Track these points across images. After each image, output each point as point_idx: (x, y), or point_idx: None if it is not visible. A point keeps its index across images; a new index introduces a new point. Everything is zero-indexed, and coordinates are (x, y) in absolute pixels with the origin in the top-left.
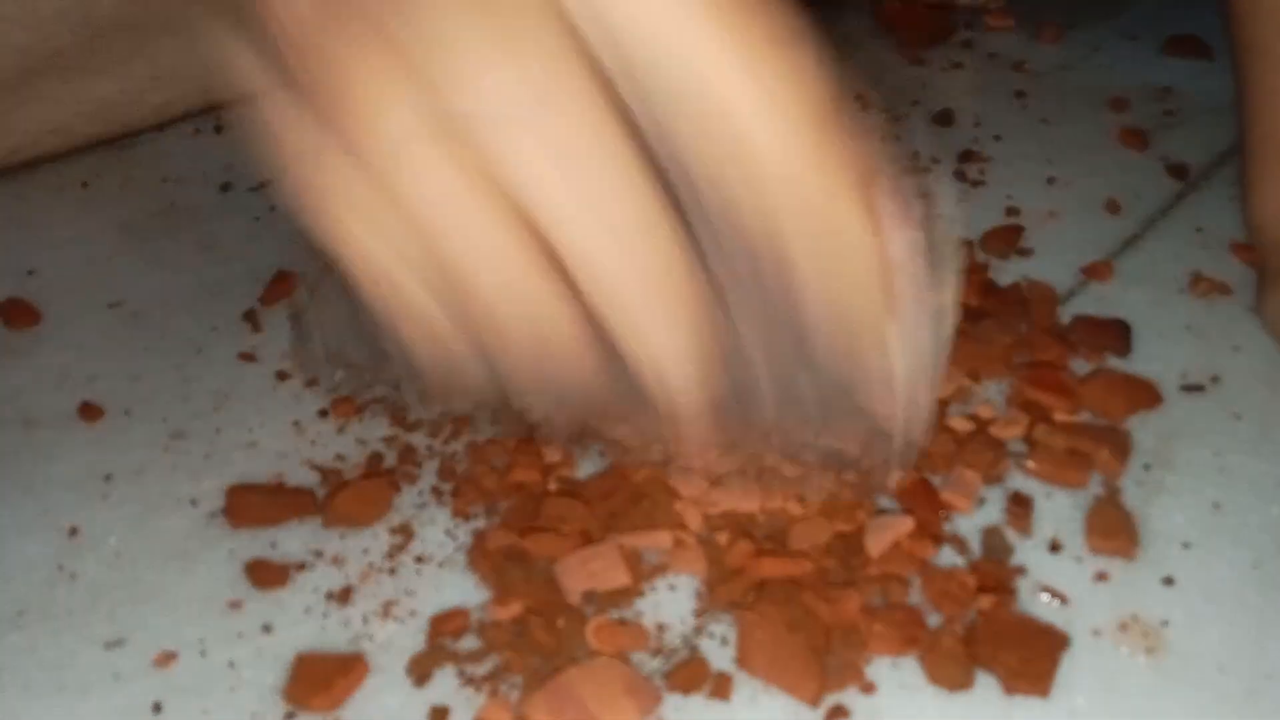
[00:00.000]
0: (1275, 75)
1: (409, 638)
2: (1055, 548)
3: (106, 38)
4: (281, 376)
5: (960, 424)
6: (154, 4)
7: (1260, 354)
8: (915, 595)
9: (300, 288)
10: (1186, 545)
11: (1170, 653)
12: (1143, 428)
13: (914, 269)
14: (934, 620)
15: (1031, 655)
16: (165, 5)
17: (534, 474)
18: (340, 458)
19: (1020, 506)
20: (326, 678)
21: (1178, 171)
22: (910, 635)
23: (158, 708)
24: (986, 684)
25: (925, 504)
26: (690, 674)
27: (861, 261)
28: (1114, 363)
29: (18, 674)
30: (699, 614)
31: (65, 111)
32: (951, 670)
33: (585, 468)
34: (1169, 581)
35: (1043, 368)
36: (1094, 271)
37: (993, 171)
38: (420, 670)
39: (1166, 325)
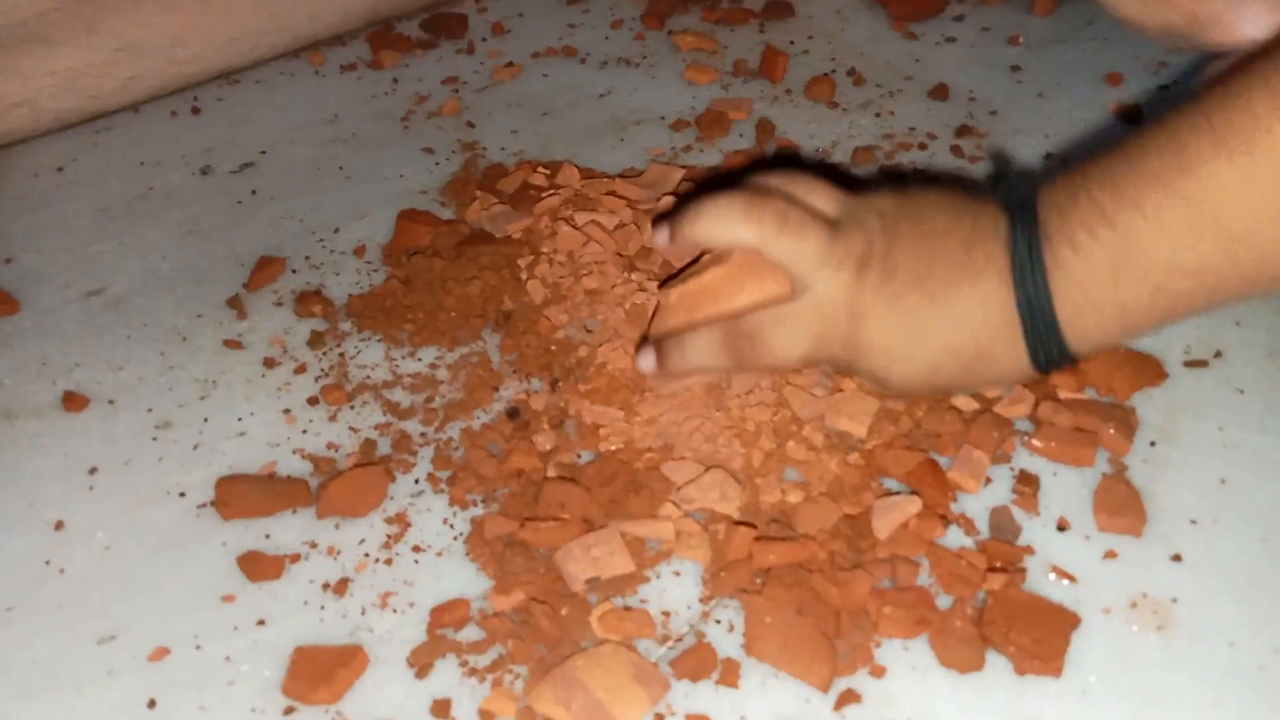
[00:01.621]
0: None
1: (409, 629)
2: (1063, 526)
3: (70, 9)
4: (269, 363)
5: (965, 403)
6: None
7: (1262, 328)
8: (924, 576)
9: None
10: (1194, 521)
11: (1180, 630)
12: (1148, 404)
13: None
14: (944, 601)
15: (1043, 635)
16: None
17: (532, 460)
18: (332, 446)
19: (1027, 485)
20: (326, 670)
21: None
22: (920, 617)
23: (153, 704)
24: (998, 665)
25: (932, 484)
26: (698, 661)
27: None
28: None
29: (10, 672)
30: (705, 600)
31: (30, 85)
32: (963, 652)
33: (584, 454)
34: (1177, 558)
35: None
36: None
37: (990, 147)
38: (421, 661)
39: None
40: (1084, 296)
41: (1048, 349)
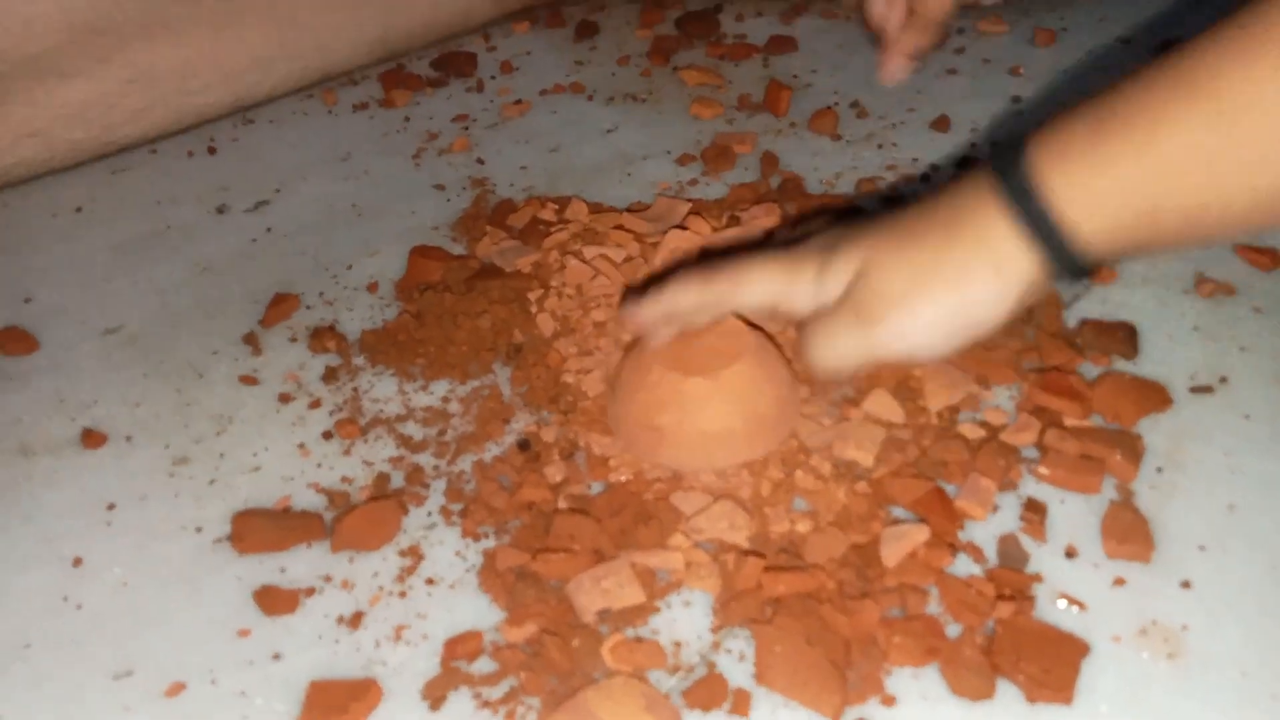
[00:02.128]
0: None
1: (422, 661)
2: (1071, 554)
3: (83, 41)
4: (284, 399)
5: (971, 431)
6: (131, 7)
7: (1267, 353)
8: (933, 605)
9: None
10: (1202, 548)
11: (1191, 657)
12: (1154, 430)
13: None
14: (953, 630)
15: (1053, 663)
16: (142, 7)
17: (543, 492)
18: (346, 480)
19: (1035, 513)
20: (340, 704)
21: None
22: (930, 646)
23: None
24: (1008, 693)
25: (940, 513)
26: (709, 691)
27: None
28: (1122, 365)
29: (26, 707)
30: (715, 630)
31: (43, 115)
32: (973, 680)
33: (594, 485)
34: (1187, 585)
35: (1052, 372)
36: (1098, 274)
37: None
38: (435, 694)
39: (1173, 326)
40: (1063, 145)
41: (1036, 209)
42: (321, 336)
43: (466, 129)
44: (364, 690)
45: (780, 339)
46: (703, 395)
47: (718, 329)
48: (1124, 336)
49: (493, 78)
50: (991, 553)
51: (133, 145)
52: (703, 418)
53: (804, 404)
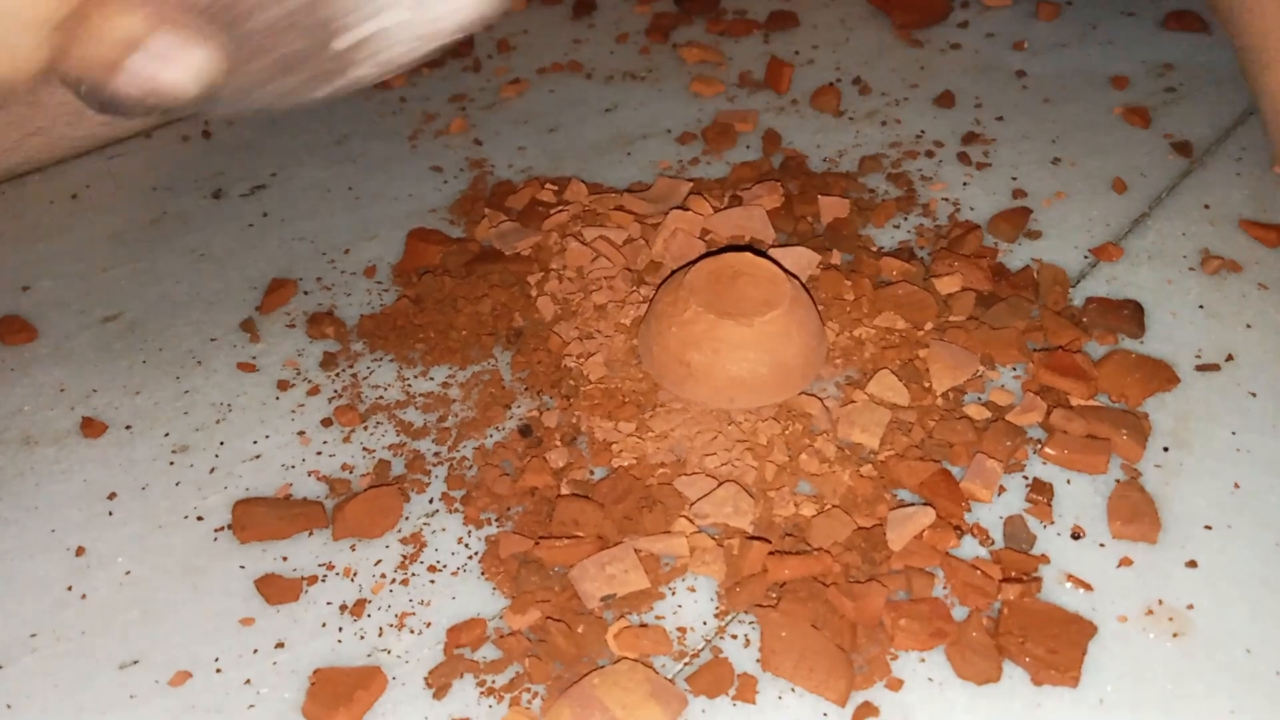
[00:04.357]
0: None
1: (426, 649)
2: (1078, 535)
3: None
4: (283, 386)
5: (977, 412)
6: None
7: (1273, 330)
8: (939, 588)
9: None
10: (1208, 527)
11: (1196, 636)
12: (1160, 409)
13: None
14: (959, 613)
15: (1059, 645)
16: None
17: (545, 477)
18: (347, 467)
19: (1041, 494)
20: (345, 692)
21: (1182, 148)
22: (936, 629)
23: None
24: (1015, 675)
25: (946, 495)
26: (714, 676)
27: None
28: (1128, 344)
29: (34, 698)
30: (721, 615)
31: (45, 113)
32: (979, 663)
33: (596, 471)
34: (1192, 564)
35: (1058, 352)
36: (1104, 252)
37: (997, 153)
38: (439, 681)
39: (1179, 304)
40: None
41: None
42: (319, 322)
43: (464, 109)
44: (369, 678)
45: (811, 286)
46: (736, 340)
47: (757, 274)
48: (1130, 315)
49: (490, 57)
50: (997, 534)
51: (130, 136)
52: (733, 362)
53: (825, 362)
